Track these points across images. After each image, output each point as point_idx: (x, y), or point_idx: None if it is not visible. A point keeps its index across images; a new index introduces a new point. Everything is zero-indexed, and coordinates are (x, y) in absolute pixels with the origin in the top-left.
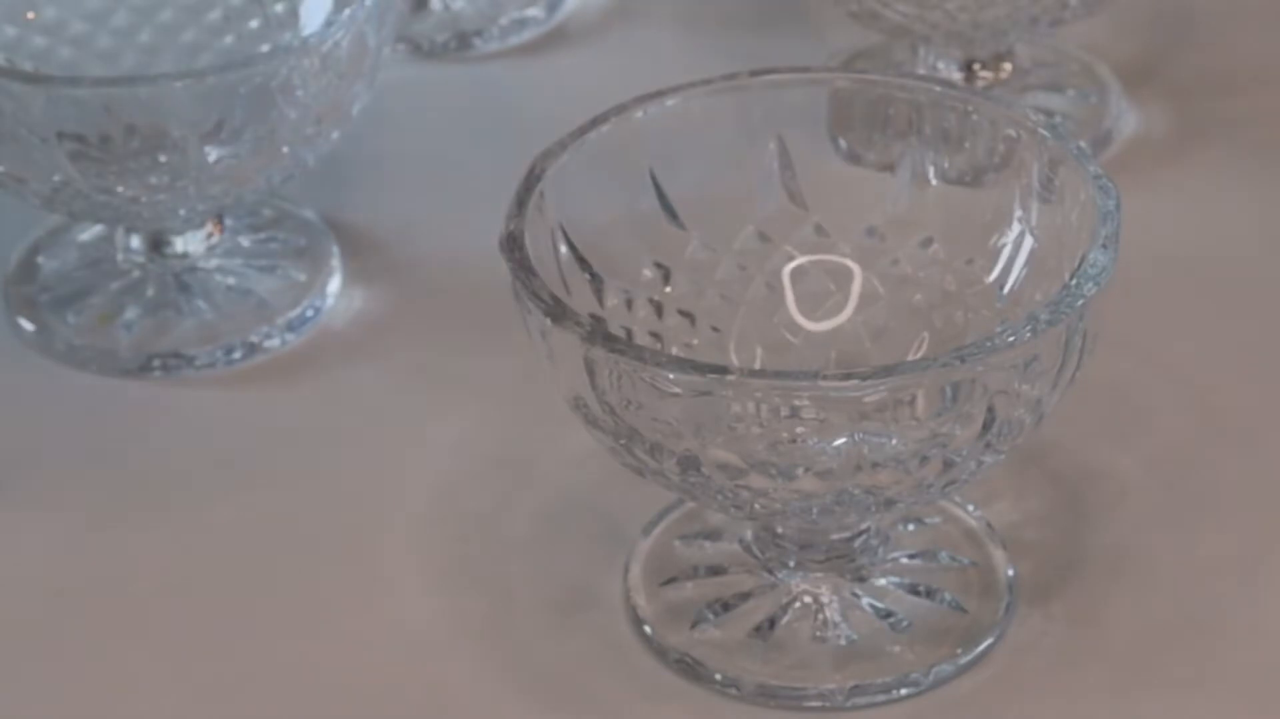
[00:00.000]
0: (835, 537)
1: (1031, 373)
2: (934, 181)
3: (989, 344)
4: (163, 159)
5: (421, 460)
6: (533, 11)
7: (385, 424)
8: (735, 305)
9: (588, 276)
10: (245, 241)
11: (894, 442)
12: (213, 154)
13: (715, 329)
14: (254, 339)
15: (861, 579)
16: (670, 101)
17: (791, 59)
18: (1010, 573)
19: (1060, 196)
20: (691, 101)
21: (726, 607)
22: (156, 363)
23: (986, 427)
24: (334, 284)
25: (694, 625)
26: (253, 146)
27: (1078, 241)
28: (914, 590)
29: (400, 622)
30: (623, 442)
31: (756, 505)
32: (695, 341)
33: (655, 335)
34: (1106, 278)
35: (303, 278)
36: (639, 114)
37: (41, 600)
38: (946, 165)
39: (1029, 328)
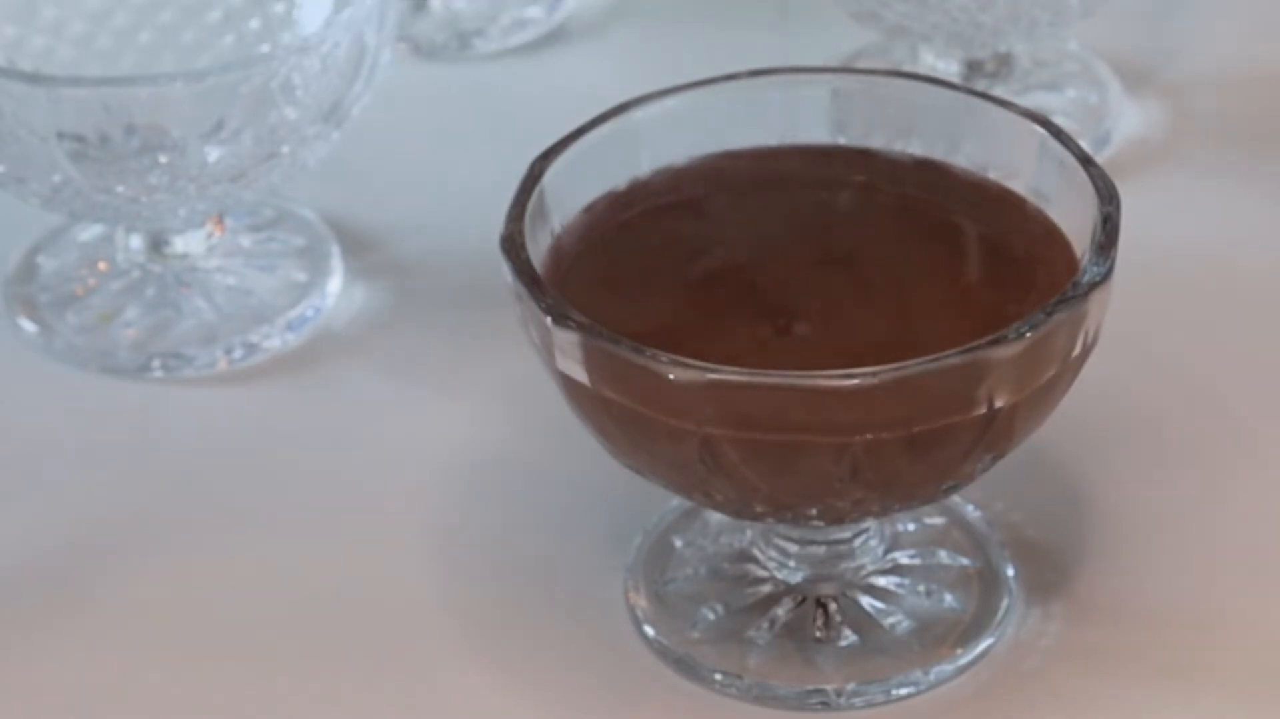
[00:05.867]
0: (835, 536)
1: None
2: None
3: (989, 344)
4: (163, 159)
5: (421, 461)
6: (533, 11)
7: (385, 424)
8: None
9: None
10: (245, 241)
11: None
12: (213, 154)
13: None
14: (254, 339)
15: (862, 579)
16: (670, 101)
17: (792, 59)
18: (1010, 573)
19: (1060, 196)
20: (691, 101)
21: (727, 607)
22: (156, 363)
23: (987, 426)
24: (334, 284)
25: (694, 625)
26: (253, 146)
27: (1078, 241)
28: (914, 590)
29: (397, 621)
30: None
31: (757, 505)
32: None
33: None
34: (1106, 278)
35: (303, 278)
36: (639, 114)
37: (42, 600)
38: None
39: (1029, 328)
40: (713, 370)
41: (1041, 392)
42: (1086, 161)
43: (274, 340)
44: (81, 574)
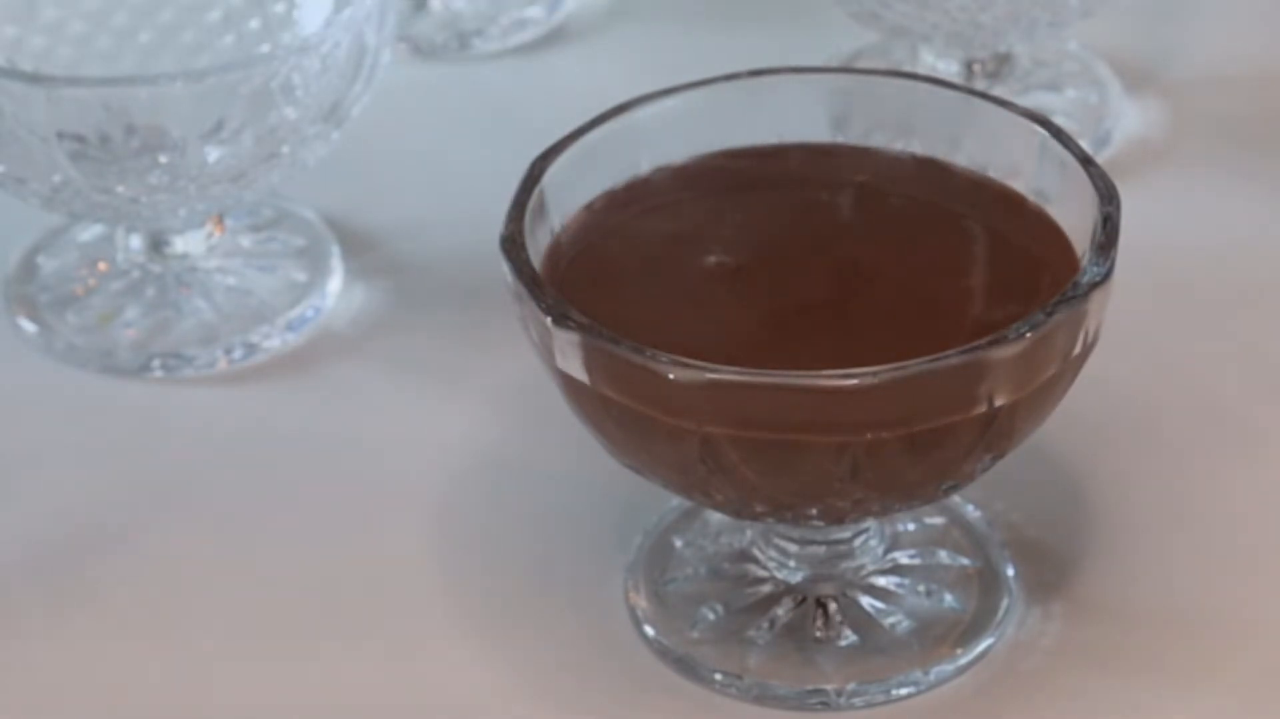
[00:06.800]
0: (835, 536)
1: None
2: None
3: (989, 344)
4: (163, 159)
5: (421, 461)
6: (533, 11)
7: (385, 424)
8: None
9: None
10: (245, 241)
11: None
12: (213, 154)
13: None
14: (254, 339)
15: (862, 579)
16: (670, 101)
17: (791, 59)
18: (1010, 573)
19: (1060, 196)
20: (691, 101)
21: (727, 607)
22: (156, 363)
23: (987, 426)
24: (334, 284)
25: (694, 625)
26: (253, 146)
27: (1078, 241)
28: (914, 590)
29: (399, 621)
30: None
31: (757, 505)
32: None
33: None
34: (1106, 278)
35: (303, 278)
36: (639, 114)
37: (41, 599)
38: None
39: (1029, 328)
40: (712, 370)
41: (1042, 391)
42: (1086, 161)
43: (274, 340)
44: (81, 573)
